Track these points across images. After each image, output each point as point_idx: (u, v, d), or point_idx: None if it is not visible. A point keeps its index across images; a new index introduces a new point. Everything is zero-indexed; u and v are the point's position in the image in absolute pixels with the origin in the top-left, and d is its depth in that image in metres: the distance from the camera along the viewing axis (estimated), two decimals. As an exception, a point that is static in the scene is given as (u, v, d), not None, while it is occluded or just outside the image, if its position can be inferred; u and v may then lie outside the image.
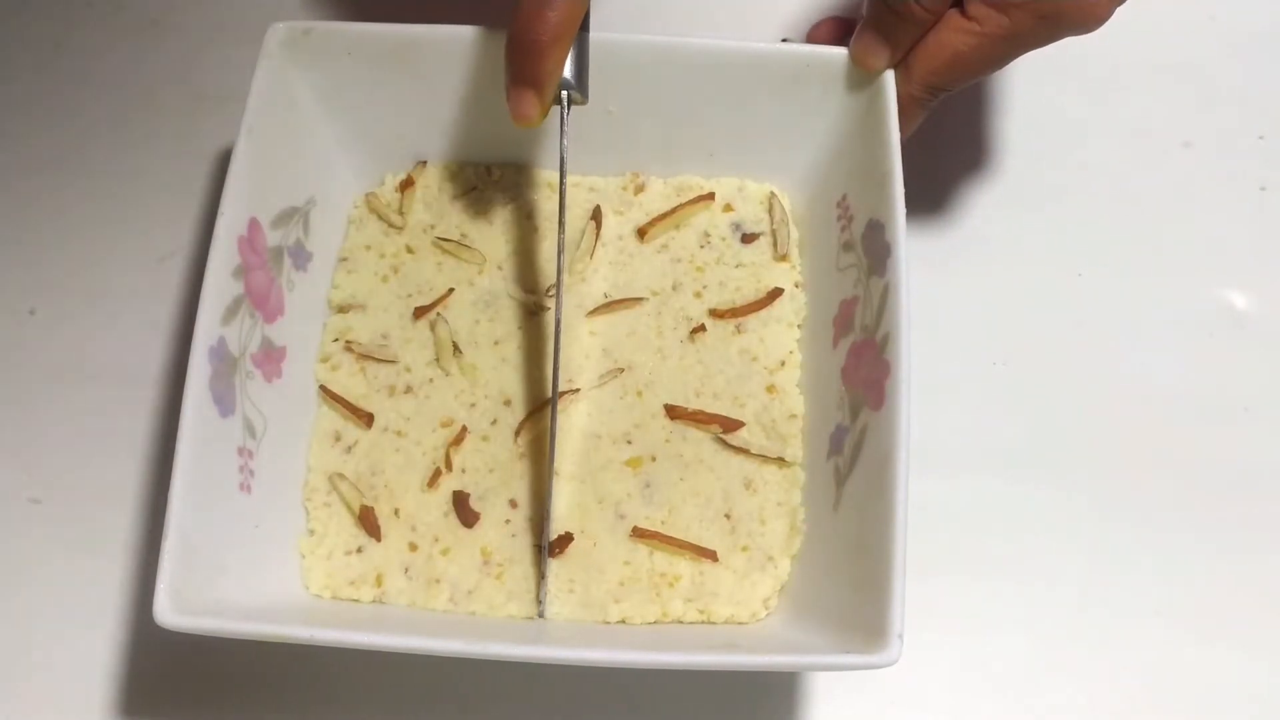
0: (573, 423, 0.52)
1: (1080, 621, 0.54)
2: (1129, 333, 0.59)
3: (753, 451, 0.51)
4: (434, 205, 0.56)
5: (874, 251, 0.49)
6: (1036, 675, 0.53)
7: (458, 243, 0.55)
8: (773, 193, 0.57)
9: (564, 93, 0.48)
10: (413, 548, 0.50)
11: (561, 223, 0.48)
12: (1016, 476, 0.56)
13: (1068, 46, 0.65)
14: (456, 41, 0.53)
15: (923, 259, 0.59)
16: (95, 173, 0.62)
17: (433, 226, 0.56)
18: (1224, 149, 0.63)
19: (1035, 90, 0.65)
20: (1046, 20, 0.49)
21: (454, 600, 0.49)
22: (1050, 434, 0.57)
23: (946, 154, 0.63)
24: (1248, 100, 0.65)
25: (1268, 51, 0.66)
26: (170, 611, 0.42)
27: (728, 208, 0.57)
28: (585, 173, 0.57)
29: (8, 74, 0.64)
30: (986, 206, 0.62)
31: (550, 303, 0.55)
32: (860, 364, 0.49)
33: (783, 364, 0.53)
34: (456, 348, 0.53)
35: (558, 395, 0.52)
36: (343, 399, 0.52)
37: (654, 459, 0.52)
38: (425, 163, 0.57)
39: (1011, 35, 0.49)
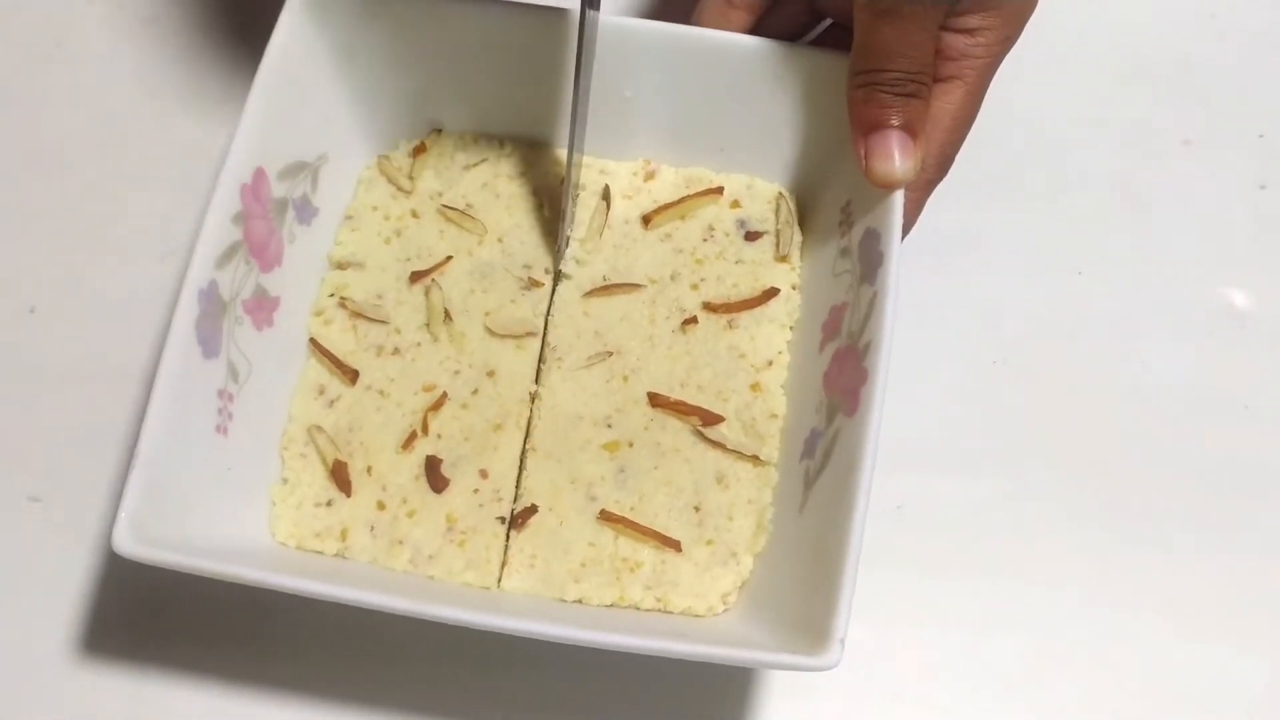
0: (555, 401, 0.53)
1: (1080, 620, 0.54)
2: (1129, 331, 0.59)
3: (729, 447, 0.51)
4: (444, 173, 0.57)
5: (867, 260, 0.49)
6: (1037, 674, 0.53)
7: (462, 212, 0.56)
8: (781, 193, 0.56)
9: None
10: (380, 507, 0.50)
11: (574, 134, 0.48)
12: (1016, 475, 0.56)
13: (1068, 45, 0.65)
14: (481, 12, 0.53)
15: (922, 258, 0.58)
16: (95, 172, 0.61)
17: (440, 194, 0.56)
18: (1224, 147, 0.63)
19: (1035, 89, 0.64)
20: (1010, 38, 0.49)
21: (414, 562, 0.49)
22: (1050, 432, 0.57)
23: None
24: (1248, 99, 0.64)
25: (1268, 50, 0.65)
26: (129, 540, 0.43)
27: (735, 204, 0.57)
28: (598, 155, 0.57)
29: (7, 72, 0.64)
30: (986, 204, 0.61)
31: (546, 280, 0.55)
32: (841, 370, 0.49)
33: (770, 364, 0.53)
34: (448, 315, 0.54)
35: (541, 367, 0.52)
36: (331, 353, 0.53)
37: (631, 445, 0.52)
38: (440, 130, 0.57)
39: (990, 67, 0.50)
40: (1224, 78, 0.65)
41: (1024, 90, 0.63)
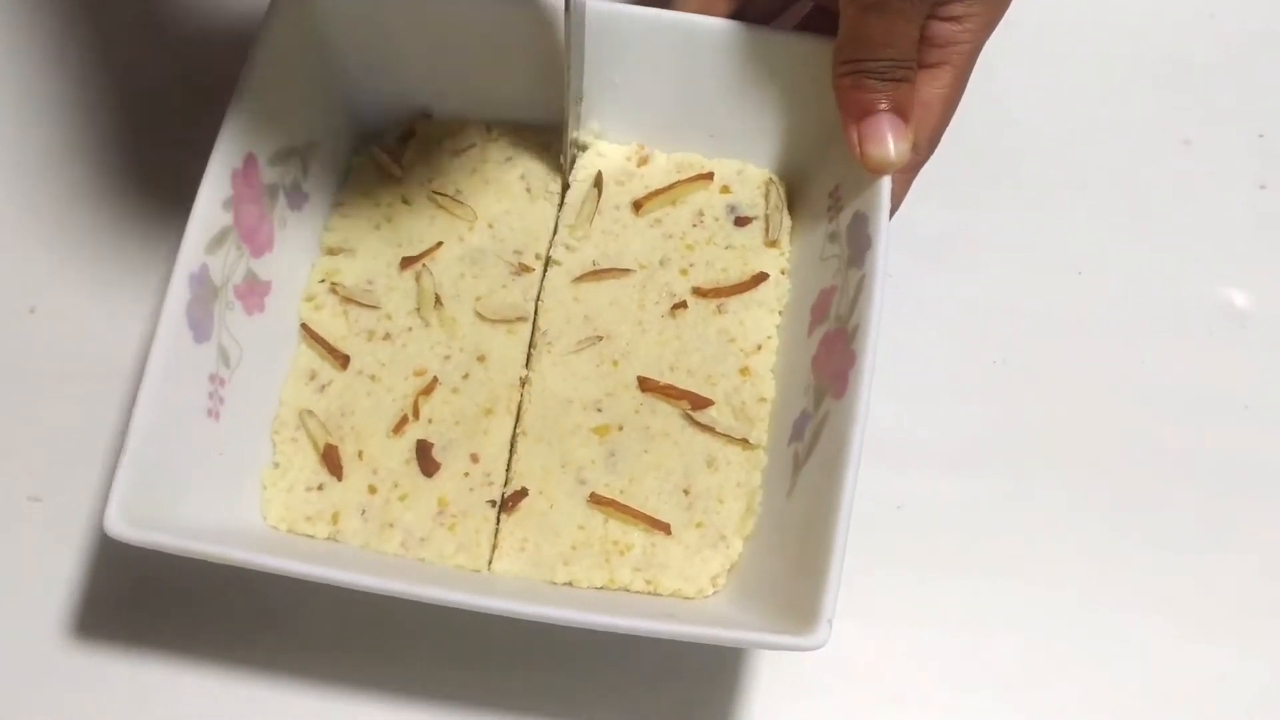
0: (545, 385, 0.53)
1: (1080, 620, 0.54)
2: (1128, 331, 0.59)
3: (718, 431, 0.52)
4: (433, 159, 0.57)
5: (855, 243, 0.50)
6: (1036, 674, 0.53)
7: (451, 198, 0.56)
8: (771, 178, 0.57)
9: None
10: (372, 490, 0.51)
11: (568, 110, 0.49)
12: (1016, 475, 0.56)
13: (1068, 44, 0.65)
14: (469, -1, 0.53)
15: (922, 257, 0.59)
16: (95, 172, 0.61)
17: (430, 180, 0.57)
18: (1224, 147, 0.63)
19: (1035, 88, 0.64)
20: (993, 22, 0.50)
21: (405, 545, 0.50)
22: (1050, 432, 0.57)
23: (945, 151, 0.62)
24: (1247, 98, 0.64)
25: (1268, 50, 0.65)
26: (119, 522, 0.43)
27: (725, 189, 0.57)
28: (595, 136, 0.57)
29: (9, 71, 0.64)
30: (987, 204, 0.62)
31: (537, 265, 0.55)
32: (830, 353, 0.49)
33: (759, 348, 0.54)
34: (439, 300, 0.54)
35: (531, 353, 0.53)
36: (322, 339, 0.53)
37: (621, 428, 0.52)
38: (429, 116, 0.57)
39: (975, 50, 0.50)
40: (1224, 78, 0.65)
41: (1024, 90, 0.64)
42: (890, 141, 0.48)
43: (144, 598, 0.53)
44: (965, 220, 0.61)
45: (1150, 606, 0.54)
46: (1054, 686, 0.53)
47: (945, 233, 0.60)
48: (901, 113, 0.48)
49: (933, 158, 0.60)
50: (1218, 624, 0.54)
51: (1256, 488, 0.56)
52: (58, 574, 0.54)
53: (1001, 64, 0.64)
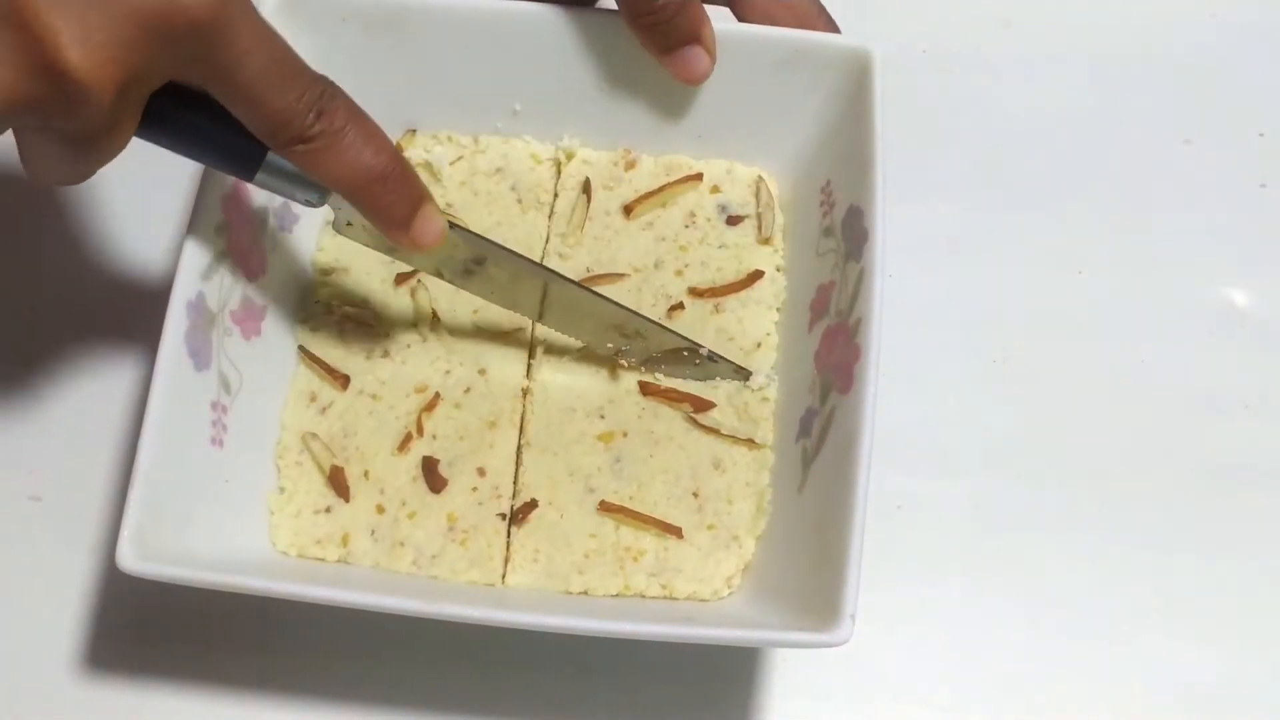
0: (547, 395, 0.53)
1: (1080, 620, 0.54)
2: (1129, 330, 0.59)
3: (723, 432, 0.52)
4: (421, 174, 0.57)
5: (852, 237, 0.50)
6: (1037, 674, 0.53)
7: (441, 211, 0.56)
8: (760, 176, 0.57)
9: None
10: (380, 510, 0.50)
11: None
12: (1016, 474, 0.56)
13: (1068, 45, 0.65)
14: (450, 12, 0.53)
15: (922, 256, 0.59)
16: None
17: (419, 194, 0.56)
18: (1224, 146, 0.64)
19: (1035, 87, 0.65)
20: None
21: (417, 564, 0.49)
22: (1050, 432, 0.57)
23: (945, 151, 0.63)
24: (1248, 97, 0.65)
25: (1268, 49, 0.66)
26: (132, 557, 0.43)
27: (715, 189, 0.57)
28: (581, 143, 0.57)
29: None
30: (986, 204, 0.62)
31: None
32: (833, 348, 0.49)
33: (759, 346, 0.54)
34: (435, 315, 0.54)
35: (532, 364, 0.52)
36: (320, 360, 0.53)
37: (625, 434, 0.52)
38: (415, 131, 0.57)
39: None
40: (1224, 77, 0.65)
41: (1023, 90, 0.64)
42: (703, 63, 0.53)
43: (149, 605, 0.52)
44: (966, 220, 0.61)
45: (1150, 606, 0.54)
46: (1054, 686, 0.52)
47: (945, 233, 0.60)
48: (704, 42, 0.52)
49: (932, 158, 0.61)
50: (1218, 624, 0.54)
51: (1256, 488, 0.56)
52: (59, 578, 0.53)
53: (1001, 64, 0.65)
